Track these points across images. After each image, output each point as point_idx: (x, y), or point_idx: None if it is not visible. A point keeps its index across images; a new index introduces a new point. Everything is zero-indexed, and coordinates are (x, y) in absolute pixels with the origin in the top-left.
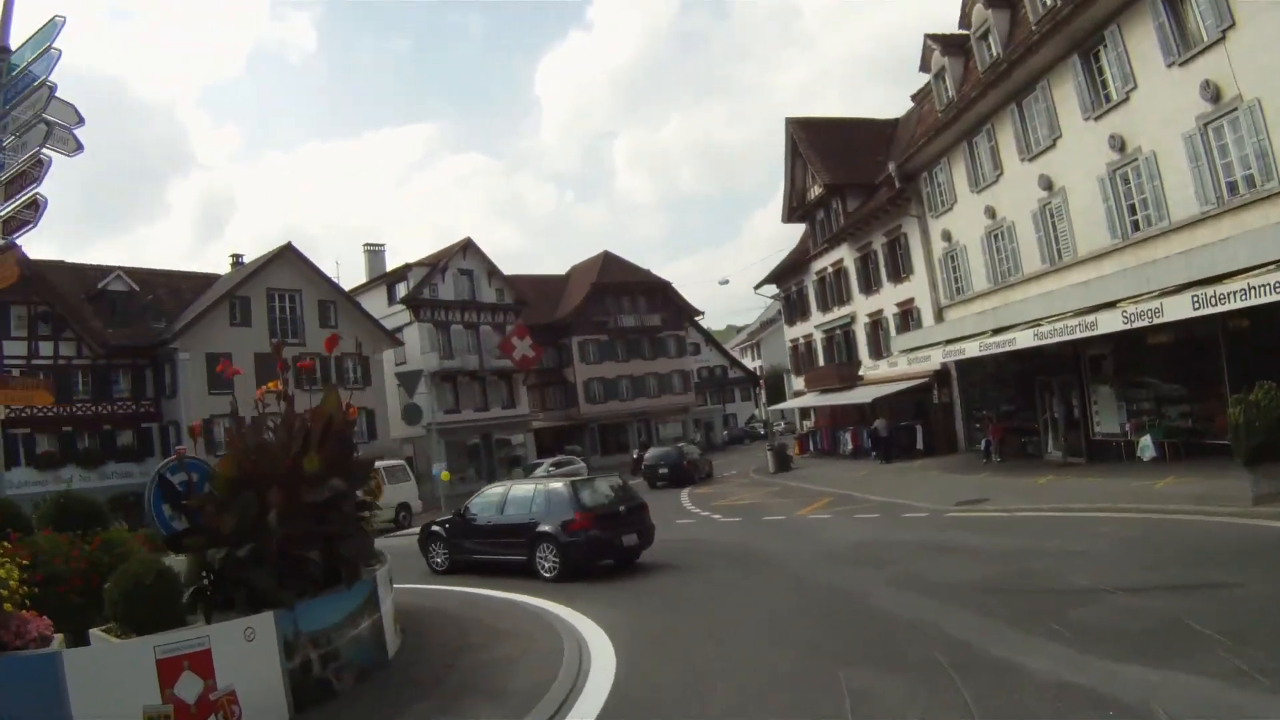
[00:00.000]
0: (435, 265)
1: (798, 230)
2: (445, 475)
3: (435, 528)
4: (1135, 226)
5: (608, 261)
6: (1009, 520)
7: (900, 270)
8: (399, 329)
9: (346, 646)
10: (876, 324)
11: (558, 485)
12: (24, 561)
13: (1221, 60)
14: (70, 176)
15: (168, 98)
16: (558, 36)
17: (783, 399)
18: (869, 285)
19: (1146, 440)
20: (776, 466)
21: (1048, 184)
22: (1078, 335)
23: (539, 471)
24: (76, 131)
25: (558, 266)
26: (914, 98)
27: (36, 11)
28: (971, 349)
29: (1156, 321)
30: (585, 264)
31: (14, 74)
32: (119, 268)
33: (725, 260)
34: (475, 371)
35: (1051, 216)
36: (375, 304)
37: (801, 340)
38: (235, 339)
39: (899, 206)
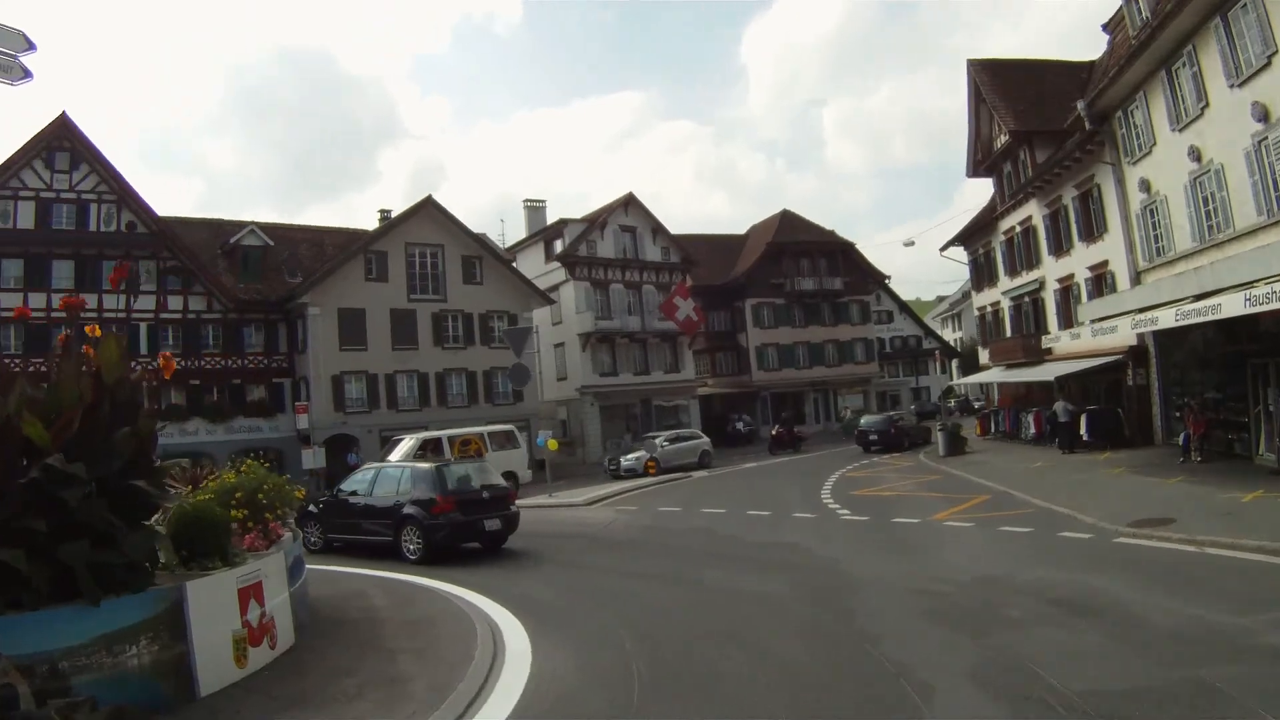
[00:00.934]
0: (594, 221)
1: None
2: (553, 444)
3: (311, 507)
4: None
5: (785, 221)
6: (1196, 561)
7: (1093, 228)
8: (555, 287)
9: (94, 681)
10: (1067, 290)
11: (423, 468)
12: None
13: None
14: (290, 144)
15: (377, 72)
16: (762, 3)
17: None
18: (1059, 246)
19: None
20: (947, 449)
21: (1263, 114)
22: None
23: (660, 441)
24: (24, 58)
25: None
26: (1106, 27)
27: None
28: (1165, 318)
29: None
30: (764, 223)
31: None
32: (253, 223)
33: (939, 231)
34: (636, 333)
35: (1270, 154)
36: (533, 262)
37: (989, 309)
38: (370, 294)
39: (1091, 153)
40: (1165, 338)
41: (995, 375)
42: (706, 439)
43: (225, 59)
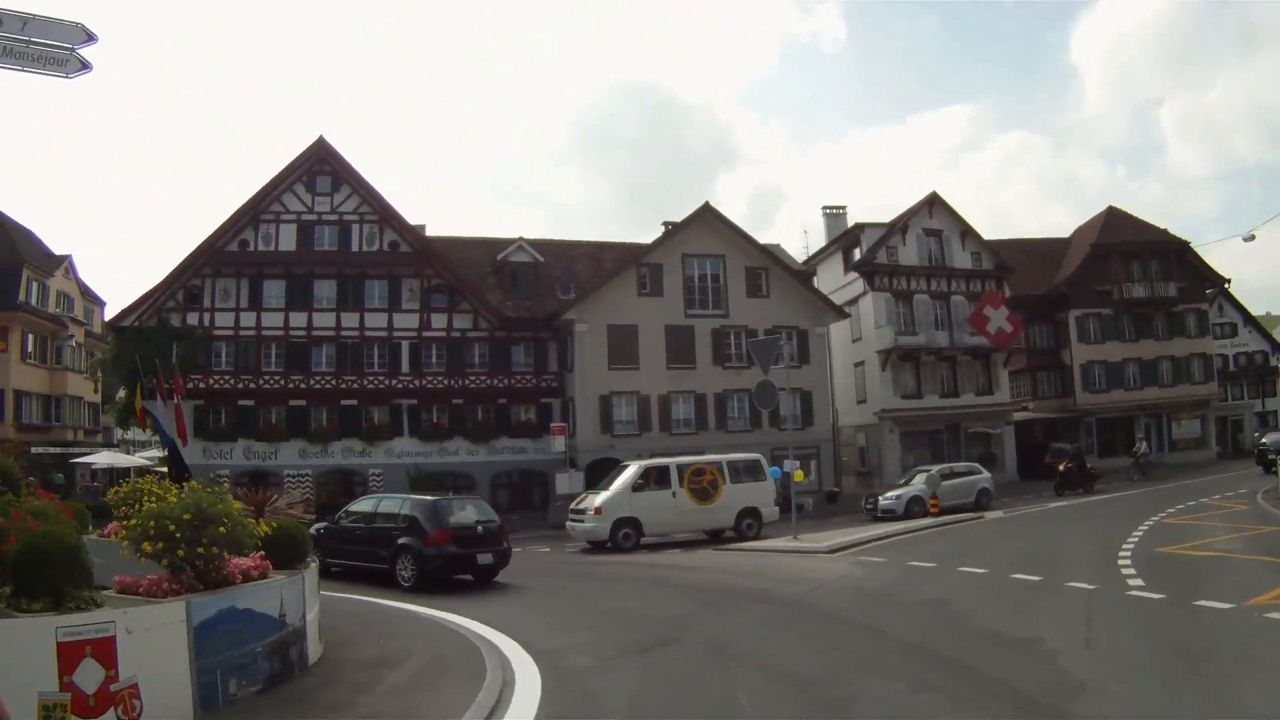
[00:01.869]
0: (894, 225)
1: None
2: (799, 475)
3: (310, 531)
4: None
5: (1112, 219)
6: None
7: None
8: (853, 300)
9: None
10: None
11: (423, 500)
12: None
13: None
14: (629, 174)
15: (709, 99)
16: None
17: None
18: None
19: None
20: None
21: None
22: None
23: (916, 479)
24: (84, 50)
25: None
26: None
27: None
28: None
29: None
30: (1087, 225)
31: None
32: (522, 239)
33: None
34: (943, 350)
35: None
36: (831, 274)
37: None
38: (643, 310)
39: None
40: None
41: None
42: (987, 475)
43: (569, 98)
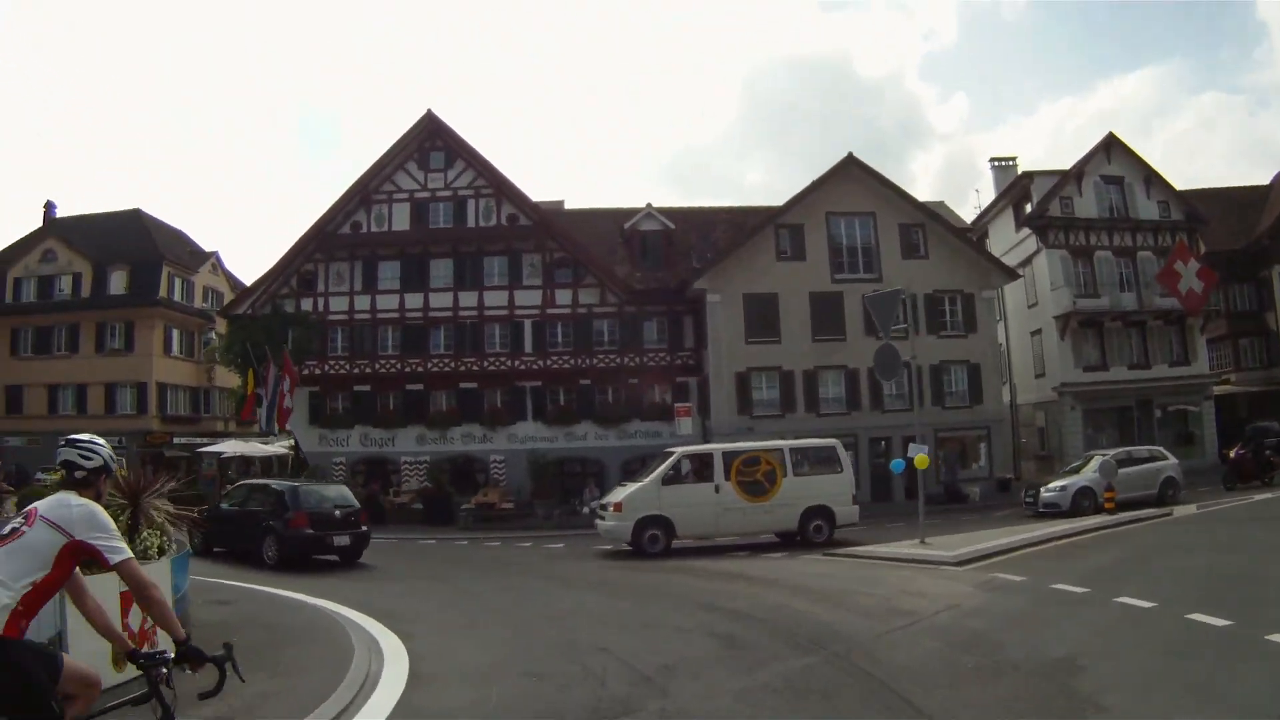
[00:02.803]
0: (1068, 173)
1: None
2: (922, 460)
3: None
4: None
5: None
6: None
7: None
8: (1026, 260)
9: None
10: None
11: (284, 486)
12: None
13: None
14: (817, 153)
15: (891, 72)
16: None
17: None
18: None
19: None
20: None
21: None
22: None
23: (1088, 466)
24: None
25: None
26: None
27: None
28: None
29: None
30: None
31: None
32: (650, 205)
33: None
34: (1130, 313)
35: None
36: (1002, 232)
37: None
38: (784, 276)
39: None
40: None
41: None
42: (1173, 461)
43: (739, 73)
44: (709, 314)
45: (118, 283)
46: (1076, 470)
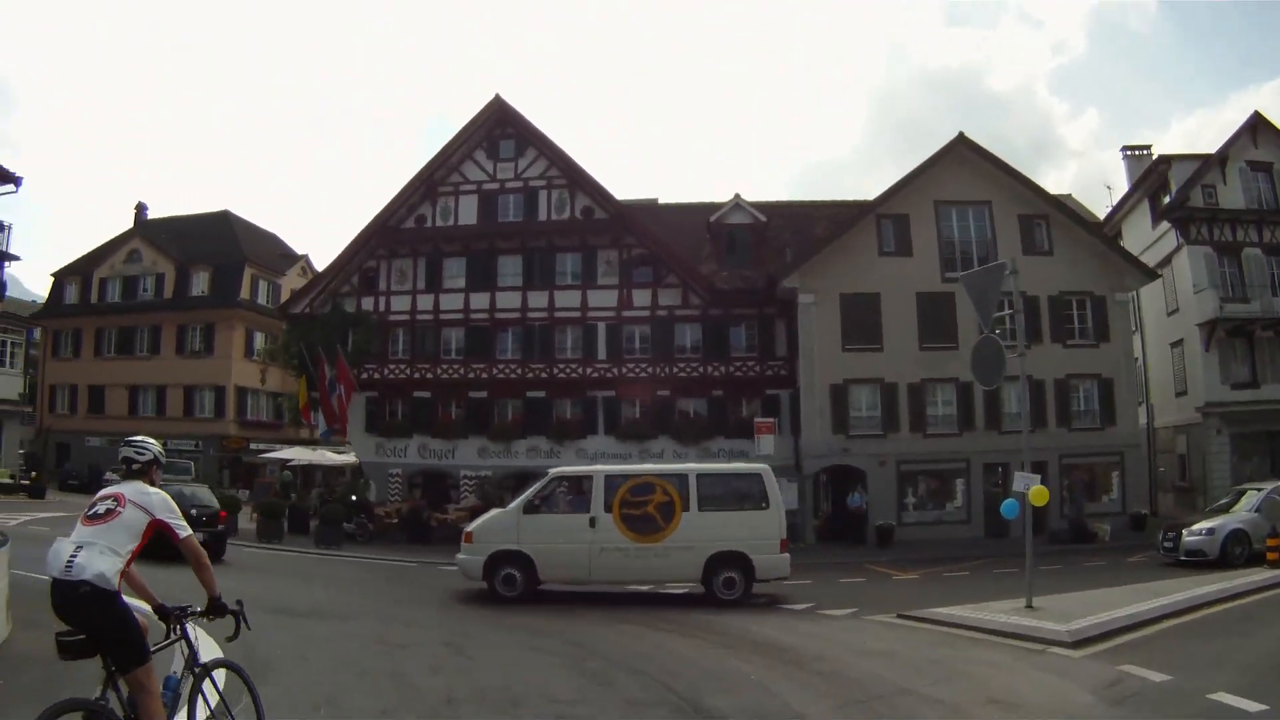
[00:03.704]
0: (1210, 159)
1: None
2: (1039, 494)
3: None
4: None
5: None
6: None
7: None
8: (1165, 260)
9: None
10: None
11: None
12: None
13: None
14: None
15: (1019, 85)
16: None
17: None
18: None
19: None
20: None
21: None
22: None
23: (1242, 502)
24: None
25: None
26: None
27: None
28: None
29: None
30: None
31: None
32: (739, 195)
33: None
34: None
35: None
36: (1137, 228)
37: None
38: (886, 274)
39: None
40: None
41: None
42: None
43: (866, 88)
44: (800, 316)
45: (199, 284)
46: (1226, 509)
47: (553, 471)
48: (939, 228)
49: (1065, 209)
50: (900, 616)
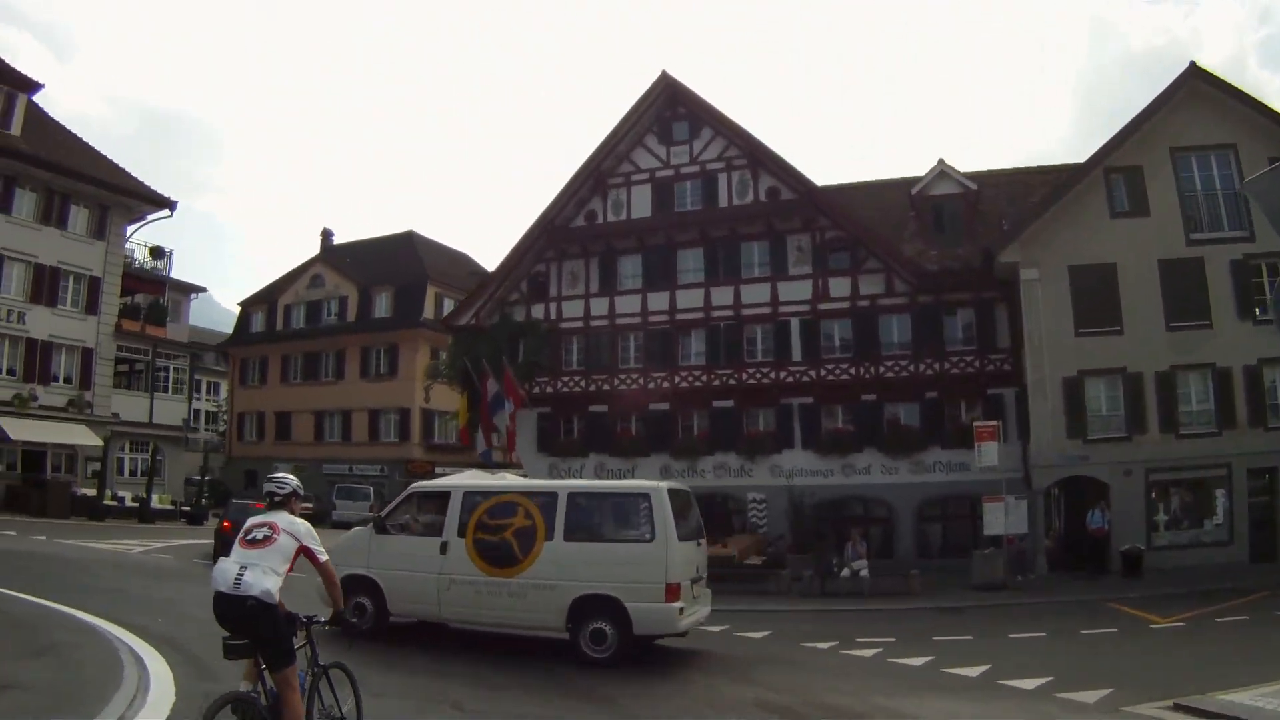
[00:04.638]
0: None
1: None
2: None
3: None
4: None
5: None
6: None
7: None
8: None
9: None
10: None
11: None
12: None
13: None
14: None
15: (1227, 58)
16: None
17: None
18: None
19: None
20: None
21: None
22: None
23: None
24: None
25: None
26: None
27: None
28: None
29: None
30: None
31: None
32: (943, 161)
33: None
34: None
35: None
36: None
37: None
38: (1119, 239)
39: None
40: None
41: None
42: None
43: (1070, 75)
44: (1023, 295)
45: (382, 305)
46: None
47: (415, 485)
48: (1178, 180)
49: None
50: (1179, 709)
